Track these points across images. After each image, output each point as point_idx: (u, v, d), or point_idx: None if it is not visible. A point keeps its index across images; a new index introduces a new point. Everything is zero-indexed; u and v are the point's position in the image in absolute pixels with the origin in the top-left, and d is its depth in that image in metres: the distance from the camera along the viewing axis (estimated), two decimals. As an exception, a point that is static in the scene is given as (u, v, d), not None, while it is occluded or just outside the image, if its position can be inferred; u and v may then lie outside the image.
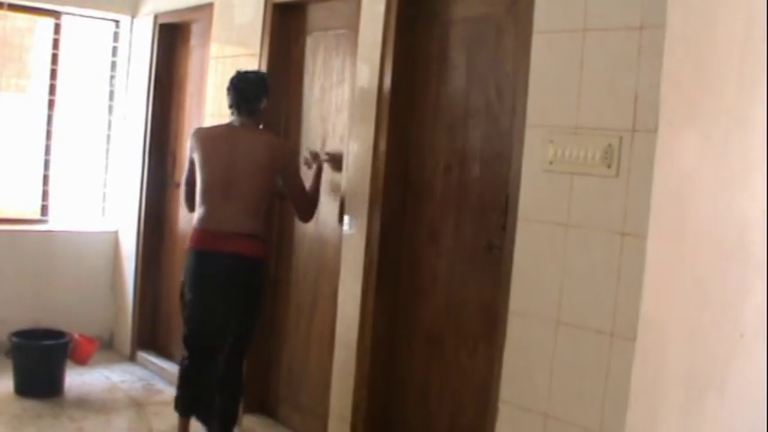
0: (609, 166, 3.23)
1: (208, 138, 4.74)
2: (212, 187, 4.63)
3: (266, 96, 4.74)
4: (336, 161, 4.86)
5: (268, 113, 4.91)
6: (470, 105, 4.12)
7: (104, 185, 7.21)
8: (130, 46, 7.00)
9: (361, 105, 4.55)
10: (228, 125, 4.75)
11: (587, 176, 3.32)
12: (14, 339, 5.76)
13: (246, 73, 4.79)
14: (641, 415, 3.06)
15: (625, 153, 3.19)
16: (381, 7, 4.41)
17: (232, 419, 4.72)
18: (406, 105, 4.40)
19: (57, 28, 6.85)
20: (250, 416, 5.32)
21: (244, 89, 4.69)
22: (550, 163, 3.45)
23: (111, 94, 7.13)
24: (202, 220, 4.66)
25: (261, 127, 4.82)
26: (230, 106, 4.73)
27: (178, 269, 6.29)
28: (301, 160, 4.96)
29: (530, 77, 3.56)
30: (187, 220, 6.20)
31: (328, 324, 4.76)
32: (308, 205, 4.78)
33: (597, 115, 3.30)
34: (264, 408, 5.38)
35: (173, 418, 5.00)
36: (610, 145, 3.23)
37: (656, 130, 3.08)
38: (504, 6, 3.94)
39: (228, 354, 4.68)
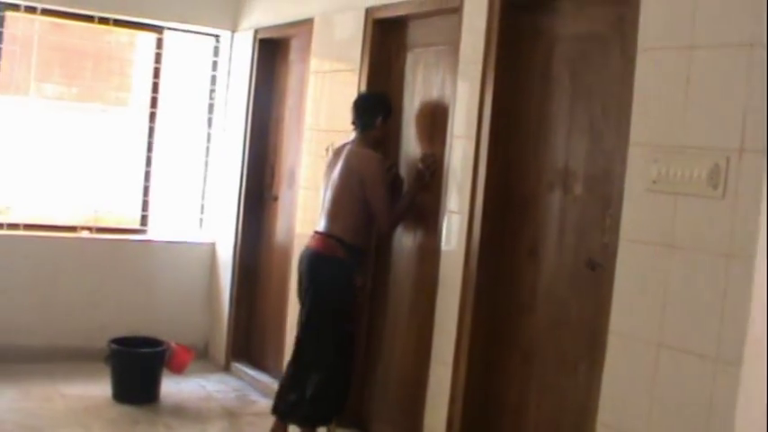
0: (715, 187, 3.17)
1: (333, 152, 5.18)
2: (323, 195, 5.05)
3: (380, 115, 4.97)
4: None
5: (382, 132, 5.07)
6: (574, 123, 4.08)
7: (203, 197, 7.34)
8: (230, 60, 7.12)
9: (461, 122, 4.54)
10: (350, 141, 5.06)
11: (692, 197, 3.26)
12: (113, 346, 5.88)
13: (364, 93, 5.15)
14: (746, 443, 2.97)
15: (732, 173, 3.12)
16: (483, 23, 4.40)
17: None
18: (508, 122, 4.37)
19: (159, 42, 7.02)
20: (343, 429, 5.33)
21: (356, 107, 5.01)
22: (654, 182, 3.40)
23: (211, 107, 7.26)
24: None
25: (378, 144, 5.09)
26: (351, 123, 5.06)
27: (275, 281, 6.38)
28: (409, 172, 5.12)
29: (634, 95, 3.52)
30: (285, 232, 6.29)
31: (424, 339, 4.75)
32: (385, 219, 4.92)
33: (704, 134, 3.24)
34: (358, 422, 5.38)
35: (266, 428, 5.05)
36: (716, 165, 3.16)
37: (765, 150, 3.00)
38: (610, 23, 3.90)
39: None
